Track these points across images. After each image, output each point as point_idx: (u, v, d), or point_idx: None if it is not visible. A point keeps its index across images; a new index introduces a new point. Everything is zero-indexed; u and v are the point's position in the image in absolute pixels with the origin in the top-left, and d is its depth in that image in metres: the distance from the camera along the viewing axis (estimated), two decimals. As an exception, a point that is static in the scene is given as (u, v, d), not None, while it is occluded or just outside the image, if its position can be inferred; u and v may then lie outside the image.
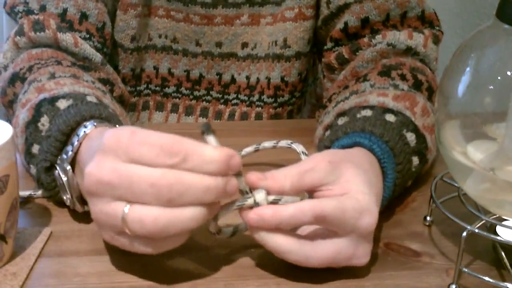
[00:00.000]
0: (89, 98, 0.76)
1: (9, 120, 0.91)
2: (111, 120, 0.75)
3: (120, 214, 0.61)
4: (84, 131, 0.71)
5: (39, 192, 0.79)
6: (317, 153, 0.71)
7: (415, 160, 0.79)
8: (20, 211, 0.69)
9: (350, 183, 0.66)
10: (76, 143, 0.71)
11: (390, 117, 0.78)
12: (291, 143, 0.79)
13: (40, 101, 0.77)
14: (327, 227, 0.65)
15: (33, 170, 0.76)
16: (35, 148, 0.75)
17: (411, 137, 0.78)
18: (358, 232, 0.65)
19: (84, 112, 0.73)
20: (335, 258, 0.66)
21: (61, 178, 0.72)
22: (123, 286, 0.66)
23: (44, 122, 0.75)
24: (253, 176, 0.64)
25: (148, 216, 0.60)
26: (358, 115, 0.79)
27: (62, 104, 0.75)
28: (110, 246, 0.70)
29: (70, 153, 0.71)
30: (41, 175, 0.74)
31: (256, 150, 0.81)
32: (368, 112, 0.79)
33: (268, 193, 0.64)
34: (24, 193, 0.78)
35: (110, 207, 0.61)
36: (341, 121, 0.81)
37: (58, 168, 0.72)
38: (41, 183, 0.76)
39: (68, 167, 0.71)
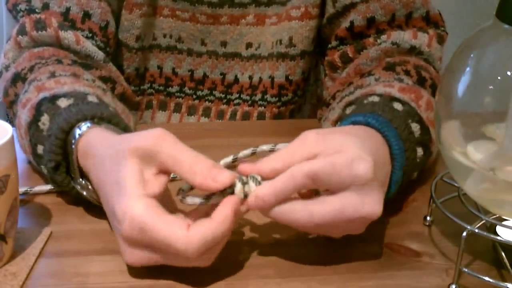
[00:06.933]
0: (90, 98, 0.77)
1: (10, 120, 0.92)
2: (111, 120, 0.76)
3: None
4: (79, 134, 0.73)
5: (36, 188, 0.79)
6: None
7: (420, 151, 0.79)
8: (20, 211, 0.69)
9: (341, 145, 0.66)
10: (72, 146, 0.73)
11: (397, 106, 0.79)
12: None
13: (40, 100, 0.78)
14: (326, 187, 0.65)
15: (44, 170, 0.77)
16: (40, 149, 0.76)
17: (415, 127, 0.78)
18: (357, 181, 0.65)
19: (86, 111, 0.74)
20: (343, 211, 0.65)
21: (83, 194, 0.75)
22: (123, 286, 0.66)
23: (45, 121, 0.76)
24: (243, 167, 0.66)
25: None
26: (365, 101, 0.80)
27: (63, 103, 0.76)
28: (110, 246, 0.71)
29: (76, 165, 0.74)
30: (53, 175, 0.75)
31: (253, 153, 0.81)
32: (375, 98, 0.80)
33: (262, 178, 0.65)
34: (20, 189, 0.78)
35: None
36: (349, 110, 0.81)
37: (75, 185, 0.75)
38: (54, 182, 0.76)
39: (83, 182, 0.74)
